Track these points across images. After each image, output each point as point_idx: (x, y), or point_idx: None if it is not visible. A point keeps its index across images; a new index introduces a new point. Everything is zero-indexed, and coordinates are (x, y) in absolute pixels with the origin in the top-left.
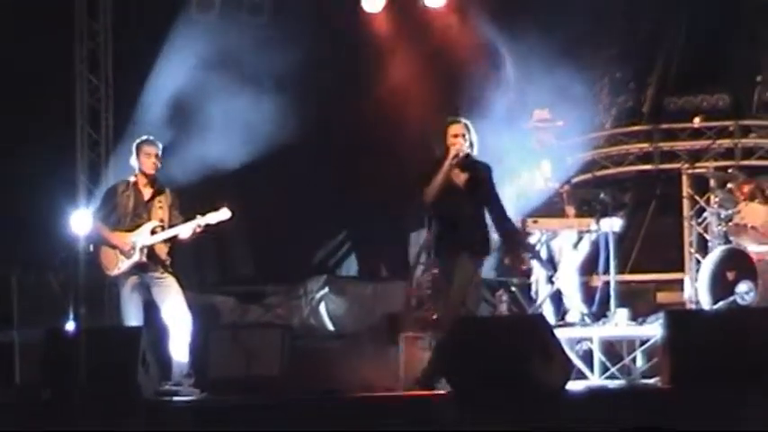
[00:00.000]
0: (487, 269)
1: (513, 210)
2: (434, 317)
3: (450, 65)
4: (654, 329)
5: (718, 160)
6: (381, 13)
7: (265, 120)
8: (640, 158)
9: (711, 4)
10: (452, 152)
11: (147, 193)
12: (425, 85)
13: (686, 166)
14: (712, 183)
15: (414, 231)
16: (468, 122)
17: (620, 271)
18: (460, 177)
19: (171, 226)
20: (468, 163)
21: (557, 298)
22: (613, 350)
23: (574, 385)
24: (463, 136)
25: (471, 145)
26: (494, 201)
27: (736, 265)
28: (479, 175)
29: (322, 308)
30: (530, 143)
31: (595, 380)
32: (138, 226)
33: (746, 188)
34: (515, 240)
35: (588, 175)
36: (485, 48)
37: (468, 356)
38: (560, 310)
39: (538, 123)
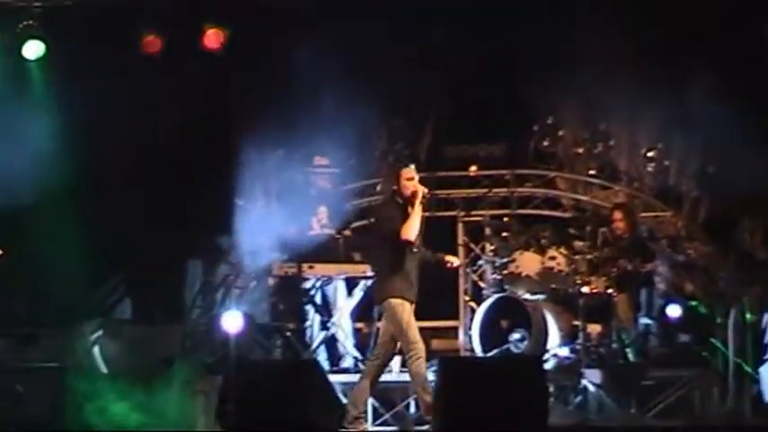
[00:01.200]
0: (261, 314)
1: (288, 254)
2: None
3: (231, 105)
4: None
5: (494, 209)
6: (160, 54)
7: (40, 160)
8: None
9: (489, 56)
10: (421, 192)
11: None
12: (206, 126)
13: (462, 213)
14: (488, 231)
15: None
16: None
17: None
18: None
19: None
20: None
21: (331, 343)
22: (387, 396)
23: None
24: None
25: None
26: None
27: (510, 313)
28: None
29: (96, 350)
30: (308, 187)
31: (369, 426)
32: None
33: (521, 237)
34: None
35: (364, 222)
36: (267, 91)
37: (243, 399)
38: (334, 356)
39: (316, 169)
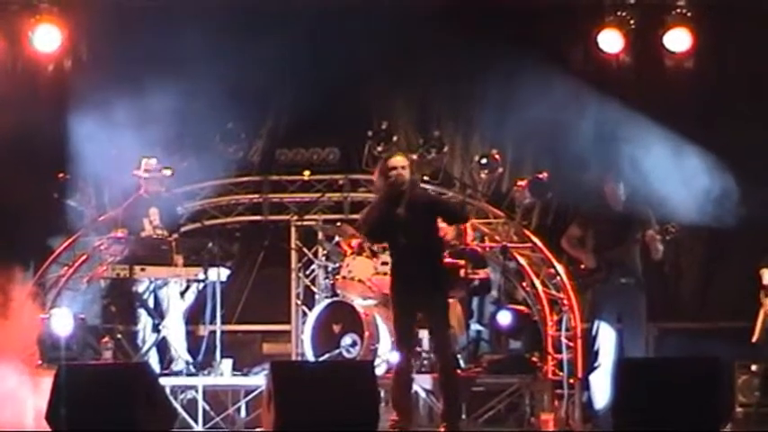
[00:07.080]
0: (93, 316)
1: (120, 256)
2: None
3: (60, 107)
4: (259, 380)
5: (327, 213)
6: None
7: None
8: (250, 209)
9: (324, 61)
10: (390, 183)
11: None
12: (37, 126)
13: (295, 218)
14: (320, 235)
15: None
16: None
17: (227, 321)
18: (401, 210)
19: None
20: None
21: (163, 346)
22: (218, 400)
23: None
24: (403, 168)
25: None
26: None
27: (342, 317)
28: (423, 200)
29: None
30: (139, 189)
31: (199, 429)
32: None
33: (354, 242)
34: None
35: (197, 225)
36: (97, 95)
37: (72, 402)
38: (166, 359)
39: (145, 172)
